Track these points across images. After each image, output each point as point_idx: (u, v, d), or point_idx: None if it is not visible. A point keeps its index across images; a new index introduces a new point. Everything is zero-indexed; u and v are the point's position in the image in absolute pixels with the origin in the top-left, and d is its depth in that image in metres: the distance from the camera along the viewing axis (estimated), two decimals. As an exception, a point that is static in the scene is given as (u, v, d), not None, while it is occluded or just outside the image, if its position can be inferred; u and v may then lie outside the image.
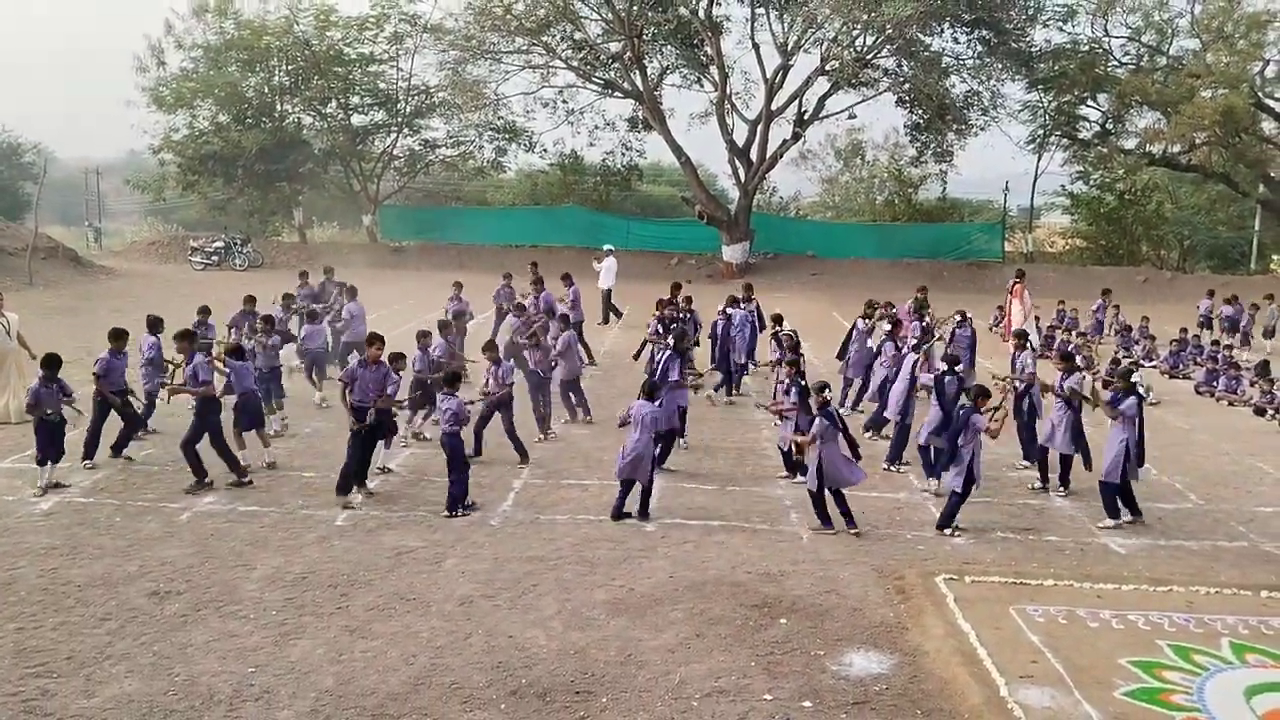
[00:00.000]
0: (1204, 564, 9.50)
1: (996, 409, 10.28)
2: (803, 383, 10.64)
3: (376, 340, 10.82)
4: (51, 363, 10.67)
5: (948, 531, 9.97)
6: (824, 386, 10.20)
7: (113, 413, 11.48)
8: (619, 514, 10.09)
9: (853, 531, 9.87)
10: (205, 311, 14.42)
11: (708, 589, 8.44)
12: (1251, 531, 10.50)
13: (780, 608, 8.11)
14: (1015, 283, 19.93)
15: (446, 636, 7.48)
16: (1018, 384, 12.21)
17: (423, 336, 12.99)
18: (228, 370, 11.43)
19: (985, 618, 7.88)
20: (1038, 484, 11.58)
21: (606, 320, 23.06)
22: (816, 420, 9.82)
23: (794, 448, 10.59)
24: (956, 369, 11.46)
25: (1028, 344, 13.01)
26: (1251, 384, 17.25)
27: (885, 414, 12.95)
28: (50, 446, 10.42)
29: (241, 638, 7.38)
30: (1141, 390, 10.40)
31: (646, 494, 10.18)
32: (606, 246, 24.34)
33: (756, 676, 6.99)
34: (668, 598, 8.24)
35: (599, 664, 7.11)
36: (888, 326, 14.38)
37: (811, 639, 7.58)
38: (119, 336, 11.64)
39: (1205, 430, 15.10)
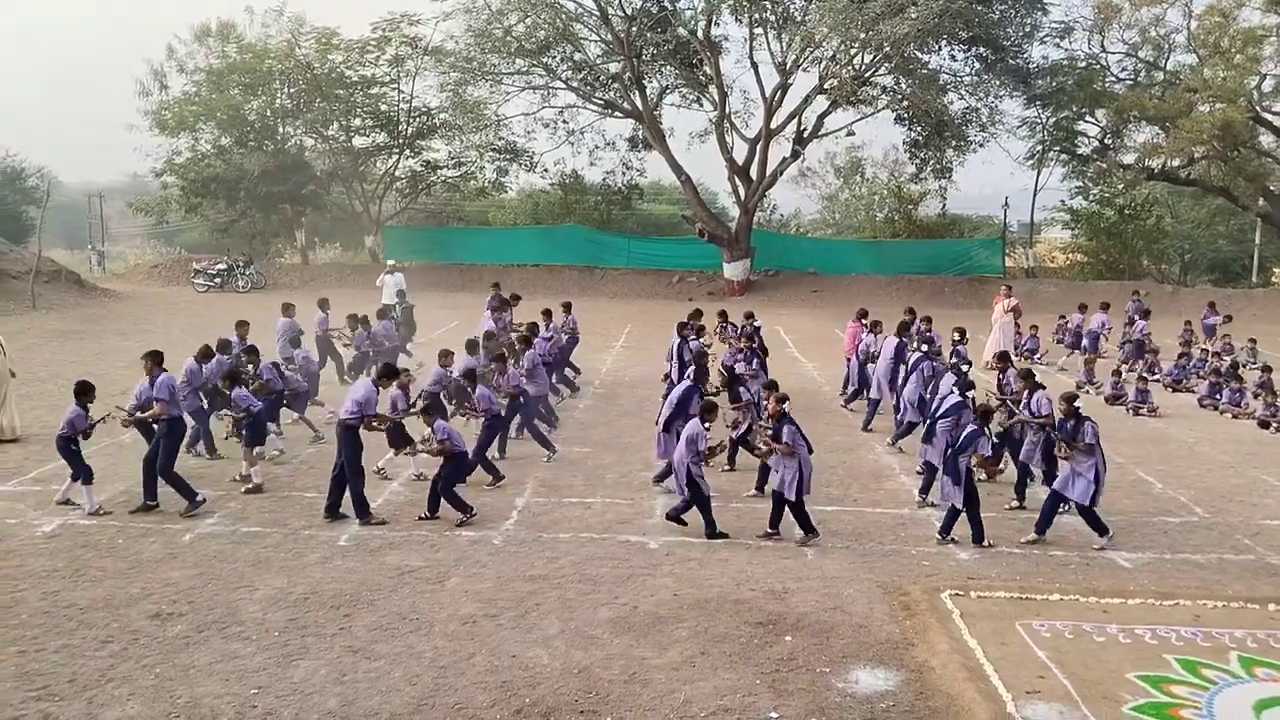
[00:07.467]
0: (1211, 577, 9.46)
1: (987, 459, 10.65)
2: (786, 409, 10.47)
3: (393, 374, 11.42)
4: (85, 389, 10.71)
5: (950, 539, 10.06)
6: (784, 398, 10.37)
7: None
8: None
9: (812, 540, 10.01)
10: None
11: (711, 607, 8.40)
12: (1258, 544, 10.46)
13: (785, 625, 8.07)
14: (998, 296, 19.81)
15: (450, 656, 7.45)
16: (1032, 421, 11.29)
17: (444, 356, 13.12)
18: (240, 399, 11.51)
19: (991, 633, 7.85)
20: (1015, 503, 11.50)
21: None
22: (786, 429, 9.93)
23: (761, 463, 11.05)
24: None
25: (1010, 364, 13.01)
26: (1255, 396, 17.23)
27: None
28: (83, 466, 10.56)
29: (244, 659, 7.35)
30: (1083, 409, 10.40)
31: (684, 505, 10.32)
32: (390, 261, 24.08)
33: (762, 695, 6.95)
34: (671, 616, 8.21)
35: (603, 683, 7.07)
36: (924, 348, 14.06)
37: (817, 656, 7.54)
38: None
39: (1210, 443, 15.07)
